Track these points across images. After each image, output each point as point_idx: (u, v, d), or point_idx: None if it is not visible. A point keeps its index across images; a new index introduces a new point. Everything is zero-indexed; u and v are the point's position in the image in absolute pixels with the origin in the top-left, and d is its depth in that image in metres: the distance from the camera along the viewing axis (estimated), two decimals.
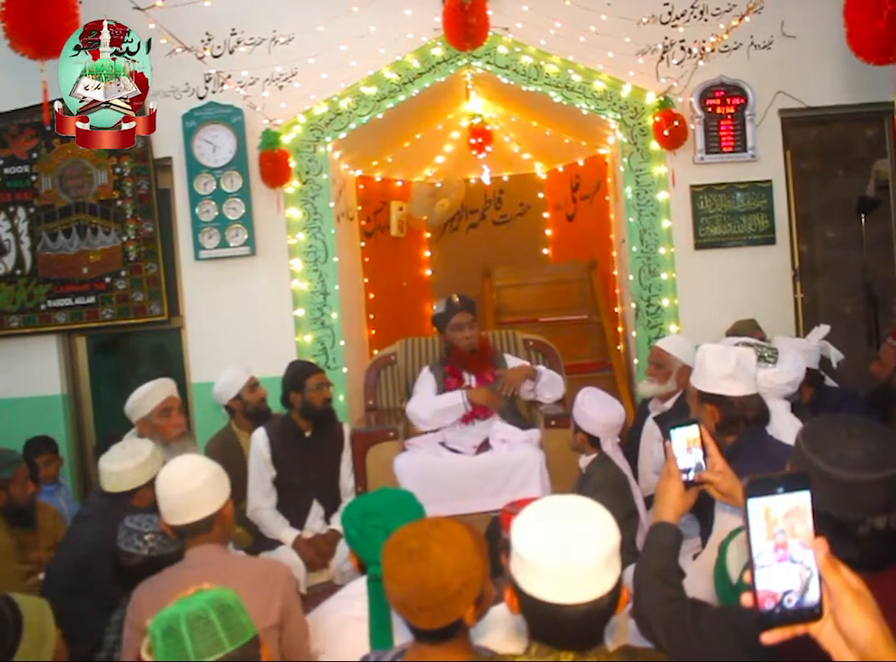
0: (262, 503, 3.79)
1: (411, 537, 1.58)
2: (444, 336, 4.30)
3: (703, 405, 2.60)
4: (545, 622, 1.38)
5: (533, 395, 4.31)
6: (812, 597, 0.93)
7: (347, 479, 3.96)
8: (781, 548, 0.93)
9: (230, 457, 3.95)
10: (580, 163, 6.42)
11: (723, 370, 2.56)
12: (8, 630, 1.71)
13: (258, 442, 3.80)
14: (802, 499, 0.94)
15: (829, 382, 3.99)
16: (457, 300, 4.25)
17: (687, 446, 1.76)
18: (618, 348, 5.59)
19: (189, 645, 1.52)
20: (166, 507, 2.29)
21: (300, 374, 3.85)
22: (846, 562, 1.34)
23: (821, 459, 1.37)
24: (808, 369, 3.59)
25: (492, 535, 3.88)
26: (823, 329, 3.84)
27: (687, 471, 1.75)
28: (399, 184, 6.68)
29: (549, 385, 4.27)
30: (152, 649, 1.57)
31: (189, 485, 2.25)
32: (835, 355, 3.87)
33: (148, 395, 3.54)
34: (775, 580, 0.93)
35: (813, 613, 0.93)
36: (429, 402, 4.19)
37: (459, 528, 1.61)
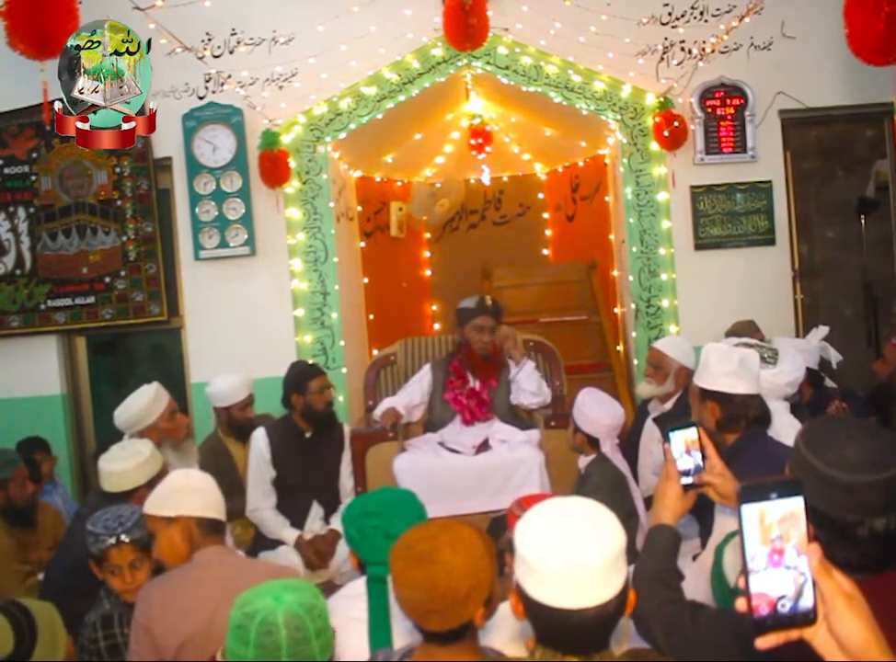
0: (262, 503, 3.79)
1: (420, 541, 1.58)
2: (461, 331, 4.29)
3: (704, 402, 2.61)
4: (551, 627, 1.36)
5: (519, 395, 4.29)
6: (806, 602, 0.93)
7: (347, 480, 3.96)
8: (775, 553, 0.93)
9: (221, 462, 3.96)
10: (580, 163, 6.42)
11: (726, 367, 2.57)
12: (24, 634, 1.75)
13: (259, 442, 3.79)
14: (796, 505, 0.94)
15: (828, 382, 3.99)
16: (489, 303, 4.27)
17: (686, 448, 1.75)
18: (618, 348, 5.59)
19: (284, 655, 1.56)
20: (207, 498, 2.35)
21: (302, 376, 3.84)
22: (845, 564, 1.35)
23: (819, 460, 1.37)
24: (807, 369, 3.60)
25: (492, 535, 3.88)
26: (822, 330, 3.84)
27: (686, 473, 1.75)
28: (399, 184, 6.68)
29: (527, 376, 4.26)
30: (240, 639, 1.59)
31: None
32: (834, 356, 3.87)
33: (154, 402, 3.45)
34: (769, 585, 0.93)
35: (807, 618, 0.93)
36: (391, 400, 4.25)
37: (468, 531, 1.61)
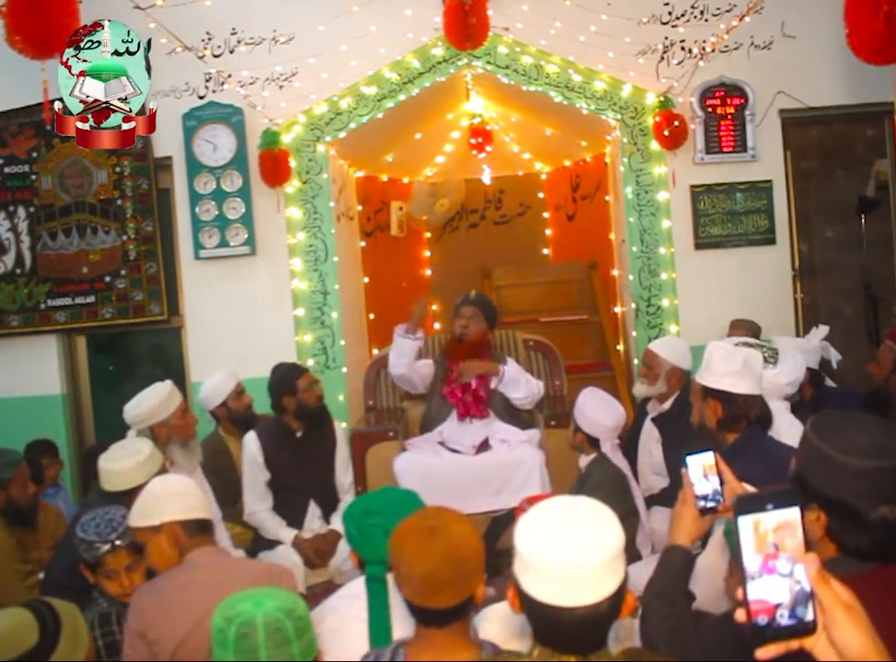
0: (257, 506, 3.79)
1: (426, 518, 1.68)
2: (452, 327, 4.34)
3: (706, 401, 2.62)
4: (545, 624, 1.37)
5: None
6: (805, 611, 0.93)
7: (343, 476, 3.94)
8: (770, 560, 0.93)
9: (220, 461, 3.96)
10: (581, 163, 6.42)
11: (730, 367, 2.57)
12: (48, 631, 1.77)
13: (250, 446, 3.79)
14: (792, 515, 0.94)
15: (829, 382, 3.99)
16: (473, 294, 4.32)
17: (703, 472, 1.76)
18: (618, 348, 5.59)
19: (262, 656, 1.56)
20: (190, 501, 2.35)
21: (289, 377, 3.82)
22: (855, 550, 1.38)
23: (829, 447, 1.41)
24: (808, 369, 3.59)
25: (492, 535, 3.89)
26: (823, 330, 3.84)
27: (704, 497, 1.75)
28: (399, 184, 6.68)
29: (514, 385, 4.23)
30: (220, 643, 1.60)
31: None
32: (835, 356, 3.87)
33: (168, 399, 3.41)
34: (766, 594, 0.93)
35: (807, 628, 0.93)
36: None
37: (454, 509, 1.75)
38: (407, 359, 4.27)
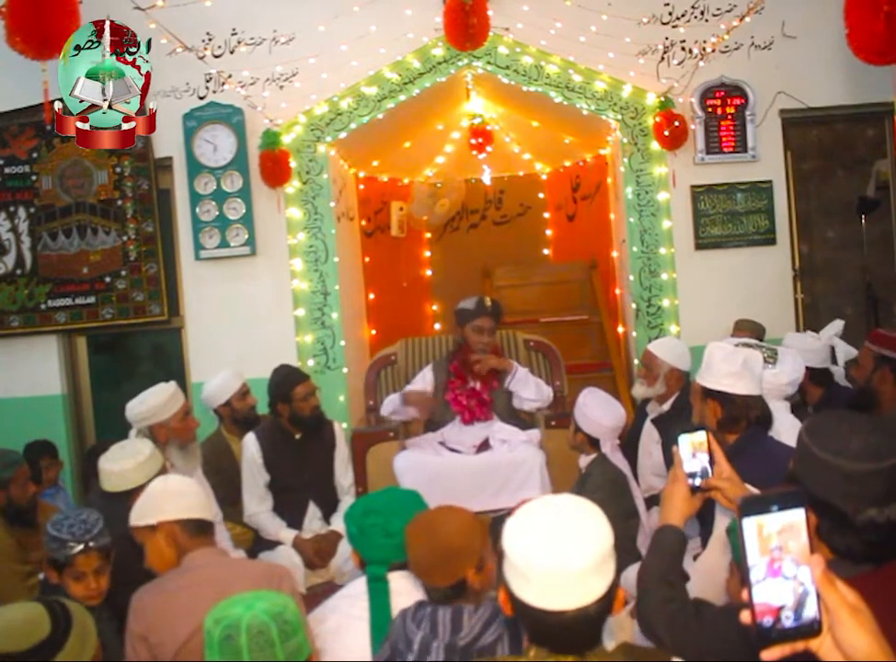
0: (258, 508, 3.78)
1: (429, 514, 2.09)
2: (461, 331, 4.29)
3: (706, 401, 2.62)
4: (534, 625, 1.37)
5: (519, 402, 4.30)
6: (810, 613, 0.93)
7: (342, 477, 3.94)
8: (774, 562, 0.93)
9: (222, 461, 3.96)
10: (581, 163, 6.42)
11: (730, 368, 2.57)
12: (59, 627, 1.81)
13: (250, 448, 3.79)
14: (797, 516, 0.94)
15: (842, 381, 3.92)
16: (489, 304, 4.29)
17: (692, 450, 1.76)
18: (618, 348, 5.59)
19: (246, 658, 1.60)
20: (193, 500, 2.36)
21: (286, 385, 3.81)
22: (847, 552, 1.37)
23: (822, 449, 1.41)
24: (816, 368, 3.55)
25: (493, 535, 3.88)
26: (837, 325, 3.79)
27: (693, 475, 1.75)
28: (400, 184, 6.68)
29: (524, 384, 4.25)
30: (208, 644, 1.66)
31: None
32: (844, 352, 3.82)
33: (171, 400, 3.40)
34: (770, 596, 0.93)
35: (812, 629, 0.93)
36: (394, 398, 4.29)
37: (461, 509, 2.11)
38: (400, 415, 4.31)
